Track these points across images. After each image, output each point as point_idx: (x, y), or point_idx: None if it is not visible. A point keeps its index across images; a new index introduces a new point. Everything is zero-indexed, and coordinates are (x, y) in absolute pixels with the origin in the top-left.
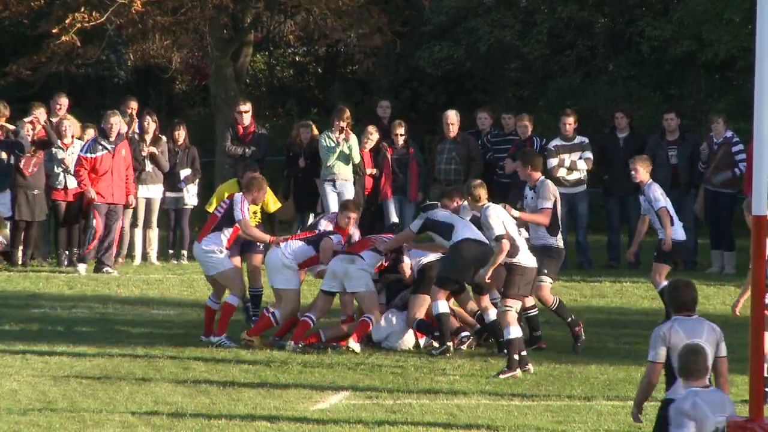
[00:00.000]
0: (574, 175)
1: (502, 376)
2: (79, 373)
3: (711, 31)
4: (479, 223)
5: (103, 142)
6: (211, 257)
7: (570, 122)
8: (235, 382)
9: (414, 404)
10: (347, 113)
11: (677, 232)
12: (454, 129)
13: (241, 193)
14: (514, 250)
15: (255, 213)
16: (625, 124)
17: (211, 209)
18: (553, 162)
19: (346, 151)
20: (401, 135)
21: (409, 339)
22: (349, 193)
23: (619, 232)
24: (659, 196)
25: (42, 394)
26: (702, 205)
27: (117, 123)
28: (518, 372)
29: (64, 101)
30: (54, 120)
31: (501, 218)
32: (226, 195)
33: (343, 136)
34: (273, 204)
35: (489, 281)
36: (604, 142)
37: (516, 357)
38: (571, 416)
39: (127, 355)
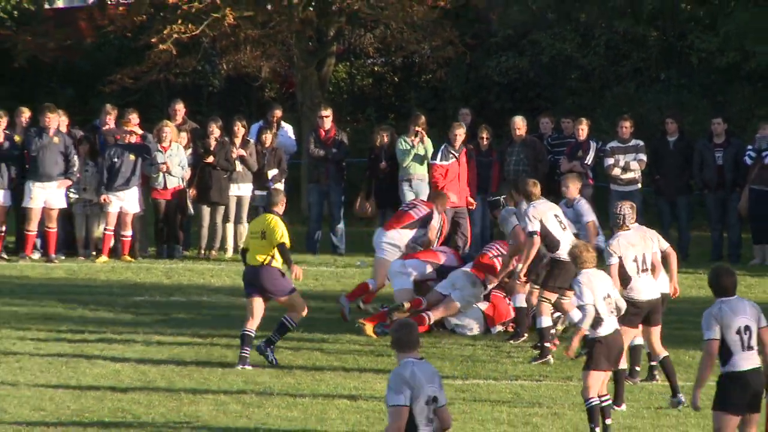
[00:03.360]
0: (628, 175)
1: (534, 363)
2: (175, 356)
3: (754, 43)
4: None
5: None
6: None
7: (627, 125)
8: (318, 366)
9: (481, 384)
10: (422, 119)
11: (600, 242)
12: (521, 133)
13: None
14: (554, 245)
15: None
16: (674, 129)
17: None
18: (609, 161)
19: (421, 153)
20: (486, 138)
21: (476, 325)
22: (425, 192)
23: (669, 228)
24: (587, 210)
25: (143, 374)
26: (746, 203)
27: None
28: (550, 358)
29: (180, 107)
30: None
31: (540, 216)
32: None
33: (418, 139)
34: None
35: (524, 277)
36: (656, 145)
37: (547, 345)
38: (624, 396)
39: (220, 340)
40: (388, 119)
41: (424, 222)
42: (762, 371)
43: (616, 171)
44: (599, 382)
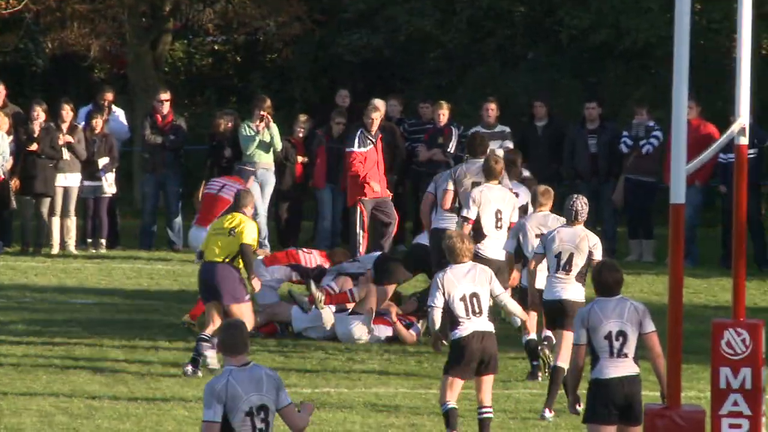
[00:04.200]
0: None
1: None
2: None
3: (629, 19)
4: None
5: None
6: None
7: (492, 109)
8: (153, 372)
9: (332, 392)
10: (267, 102)
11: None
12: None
13: None
14: (479, 237)
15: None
16: (543, 113)
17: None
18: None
19: (267, 140)
20: (341, 123)
21: (360, 330)
22: (270, 183)
23: None
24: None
25: None
26: (621, 194)
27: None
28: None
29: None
30: None
31: (477, 203)
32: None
33: (263, 124)
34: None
35: None
36: (524, 131)
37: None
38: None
39: (45, 344)
40: (230, 102)
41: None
42: (637, 380)
43: None
44: (453, 386)
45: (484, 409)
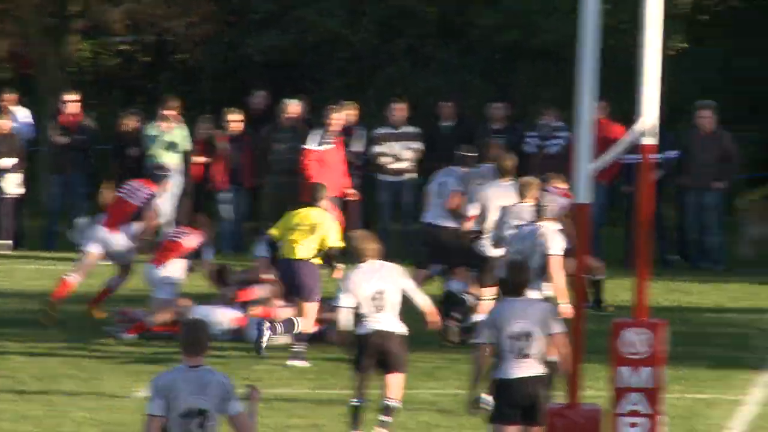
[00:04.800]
0: (399, 164)
1: None
2: None
3: (539, 20)
4: None
5: None
6: None
7: (400, 108)
8: (52, 374)
9: None
10: (175, 102)
11: None
12: (291, 116)
13: None
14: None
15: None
16: (450, 113)
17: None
18: (377, 149)
19: (172, 140)
20: (235, 122)
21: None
22: (175, 184)
23: None
24: None
25: None
26: None
27: None
28: None
29: None
30: None
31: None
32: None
33: (169, 124)
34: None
35: None
36: (432, 131)
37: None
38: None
39: None
40: (137, 103)
41: (147, 206)
42: (541, 380)
43: (386, 160)
44: (360, 382)
45: (389, 399)
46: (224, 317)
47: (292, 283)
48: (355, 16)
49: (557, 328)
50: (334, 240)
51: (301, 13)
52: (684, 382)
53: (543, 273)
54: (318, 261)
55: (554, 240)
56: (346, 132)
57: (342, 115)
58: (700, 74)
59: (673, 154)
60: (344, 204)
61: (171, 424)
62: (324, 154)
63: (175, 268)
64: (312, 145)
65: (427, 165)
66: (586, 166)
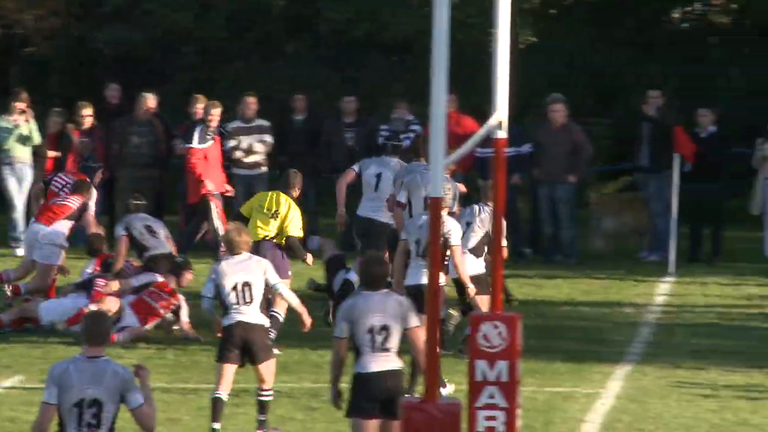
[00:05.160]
0: (252, 158)
1: None
2: None
3: (389, 13)
4: None
5: None
6: None
7: (251, 102)
8: None
9: None
10: (25, 95)
11: None
12: (148, 109)
13: None
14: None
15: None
16: (302, 106)
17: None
18: (231, 143)
19: (25, 134)
20: (88, 116)
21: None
22: (28, 177)
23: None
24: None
25: None
26: None
27: None
28: None
29: None
30: None
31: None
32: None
33: (22, 118)
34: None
35: None
36: (283, 124)
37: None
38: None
39: None
40: None
41: (81, 213)
42: (399, 374)
43: (239, 154)
44: (223, 374)
45: (262, 392)
46: (70, 311)
47: None
48: (205, 10)
49: (414, 322)
50: (295, 230)
51: (149, 7)
52: (540, 376)
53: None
54: (281, 242)
55: (454, 229)
56: (194, 127)
57: (218, 112)
58: (550, 68)
59: (526, 147)
60: (225, 199)
61: (64, 414)
62: (207, 150)
63: (59, 229)
64: (195, 142)
65: (279, 158)
66: (440, 159)
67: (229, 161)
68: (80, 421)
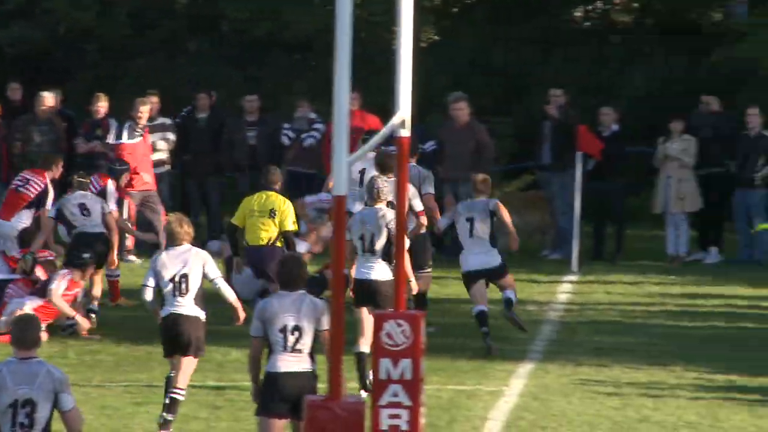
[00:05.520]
0: (156, 156)
1: None
2: None
3: (290, 12)
4: None
5: None
6: None
7: (154, 101)
8: None
9: None
10: None
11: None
12: (46, 108)
13: None
14: None
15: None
16: (205, 104)
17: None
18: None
19: None
20: None
21: None
22: None
23: (200, 213)
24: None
25: None
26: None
27: None
28: None
29: None
30: None
31: None
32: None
33: None
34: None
35: None
36: (185, 122)
37: None
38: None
39: None
40: None
41: (40, 200)
42: (310, 375)
43: None
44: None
45: (175, 389)
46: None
47: (262, 268)
48: (107, 8)
49: (326, 324)
50: (290, 223)
51: (51, 5)
52: (444, 374)
53: (389, 252)
54: (279, 244)
55: (394, 220)
56: (98, 123)
57: (148, 108)
58: (453, 67)
59: (429, 146)
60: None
61: (0, 416)
62: (135, 147)
63: (21, 220)
64: (123, 139)
65: (182, 156)
66: (343, 158)
67: None
68: (14, 423)
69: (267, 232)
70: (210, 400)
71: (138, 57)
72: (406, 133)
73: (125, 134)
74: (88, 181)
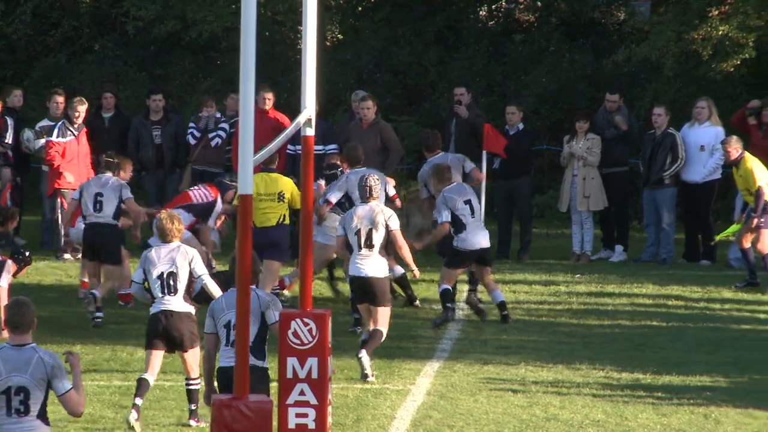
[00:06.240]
0: None
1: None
2: None
3: (196, 11)
4: None
5: None
6: None
7: (60, 101)
8: None
9: None
10: None
11: None
12: None
13: None
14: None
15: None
16: (111, 104)
17: None
18: (41, 142)
19: None
20: None
21: None
22: None
23: None
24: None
25: None
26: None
27: None
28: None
29: None
30: None
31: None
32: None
33: None
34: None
35: None
36: (92, 122)
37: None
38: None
39: None
40: None
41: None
42: (256, 370)
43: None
44: (151, 359)
45: (189, 381)
46: None
47: (265, 248)
48: (10, 6)
49: (272, 318)
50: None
51: None
52: (350, 373)
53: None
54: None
55: (392, 215)
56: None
57: (84, 108)
58: (358, 65)
59: (333, 146)
60: None
61: None
62: (68, 145)
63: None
64: (54, 136)
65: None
66: (249, 157)
67: (37, 159)
68: (9, 409)
69: (276, 214)
70: (116, 400)
71: (42, 56)
72: (311, 131)
73: (56, 132)
74: (115, 161)
